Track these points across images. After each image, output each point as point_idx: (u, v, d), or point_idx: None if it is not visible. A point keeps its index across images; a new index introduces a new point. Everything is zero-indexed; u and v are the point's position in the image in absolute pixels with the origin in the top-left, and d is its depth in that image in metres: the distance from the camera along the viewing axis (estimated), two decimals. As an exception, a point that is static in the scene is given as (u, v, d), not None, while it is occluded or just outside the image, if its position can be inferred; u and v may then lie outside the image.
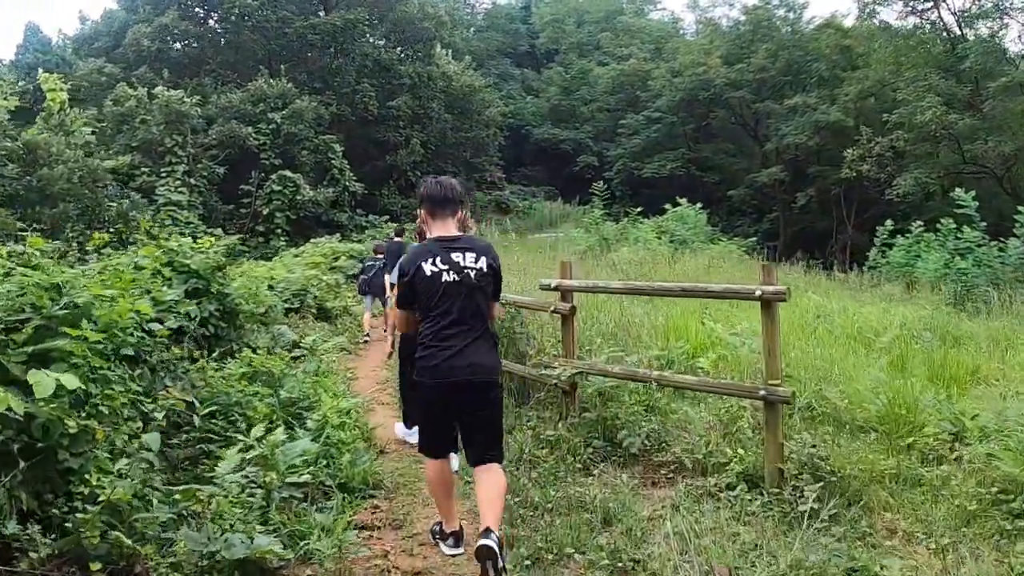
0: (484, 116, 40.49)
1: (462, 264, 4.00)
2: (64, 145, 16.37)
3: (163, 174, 24.69)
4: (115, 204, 16.83)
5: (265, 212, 26.47)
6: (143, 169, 24.50)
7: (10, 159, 15.83)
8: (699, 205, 25.03)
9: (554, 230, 31.17)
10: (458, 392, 3.99)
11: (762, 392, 5.01)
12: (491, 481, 3.97)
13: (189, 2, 34.12)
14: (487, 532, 3.64)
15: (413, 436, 5.89)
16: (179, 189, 24.34)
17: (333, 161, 29.74)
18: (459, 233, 4.18)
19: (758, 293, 4.97)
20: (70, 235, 15.65)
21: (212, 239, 8.81)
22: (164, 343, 5.77)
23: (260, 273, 13.70)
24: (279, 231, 26.29)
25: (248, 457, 4.73)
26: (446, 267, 3.97)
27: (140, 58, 32.49)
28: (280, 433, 5.08)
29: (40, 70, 35.70)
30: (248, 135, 27.36)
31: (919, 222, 19.34)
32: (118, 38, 35.43)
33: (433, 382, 3.98)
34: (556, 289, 6.93)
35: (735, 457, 5.23)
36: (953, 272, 15.92)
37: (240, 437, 5.05)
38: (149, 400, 4.99)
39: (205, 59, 34.00)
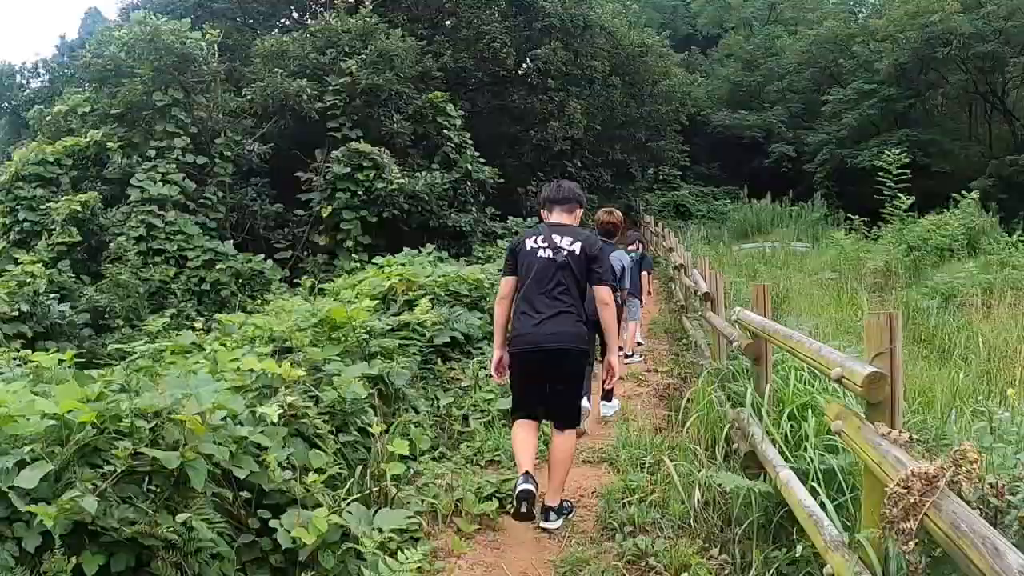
0: (661, 87, 28.77)
1: (558, 245, 4.49)
2: None
3: (149, 155, 13.97)
4: None
5: (326, 213, 15.38)
6: (113, 147, 13.89)
7: None
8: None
9: (763, 238, 25.44)
10: (539, 358, 4.41)
11: None
12: (559, 446, 4.51)
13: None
14: (546, 512, 4.40)
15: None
16: (169, 176, 13.59)
17: (448, 132, 18.39)
18: (568, 223, 4.66)
19: None
20: None
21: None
22: None
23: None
24: (349, 243, 15.11)
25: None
26: (545, 245, 4.51)
27: (184, 12, 22.69)
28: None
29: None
30: (303, 91, 16.38)
31: None
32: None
33: (519, 348, 4.48)
34: None
35: None
36: None
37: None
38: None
39: (262, 8, 23.91)
